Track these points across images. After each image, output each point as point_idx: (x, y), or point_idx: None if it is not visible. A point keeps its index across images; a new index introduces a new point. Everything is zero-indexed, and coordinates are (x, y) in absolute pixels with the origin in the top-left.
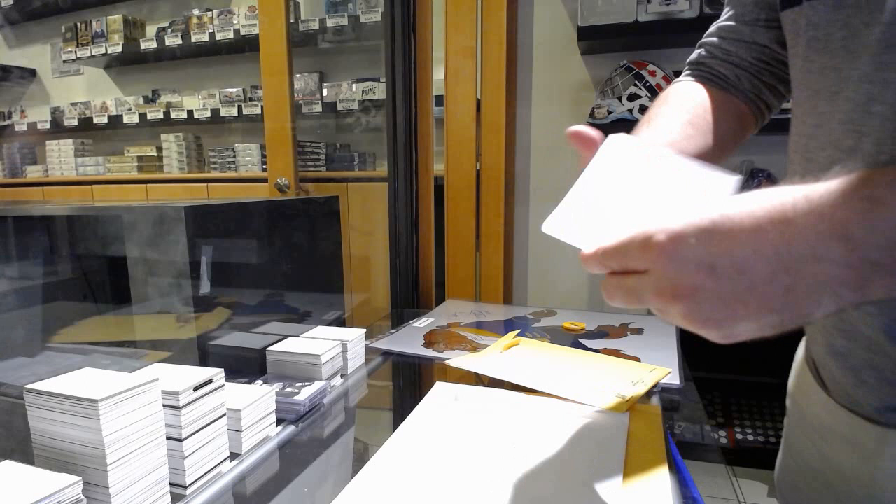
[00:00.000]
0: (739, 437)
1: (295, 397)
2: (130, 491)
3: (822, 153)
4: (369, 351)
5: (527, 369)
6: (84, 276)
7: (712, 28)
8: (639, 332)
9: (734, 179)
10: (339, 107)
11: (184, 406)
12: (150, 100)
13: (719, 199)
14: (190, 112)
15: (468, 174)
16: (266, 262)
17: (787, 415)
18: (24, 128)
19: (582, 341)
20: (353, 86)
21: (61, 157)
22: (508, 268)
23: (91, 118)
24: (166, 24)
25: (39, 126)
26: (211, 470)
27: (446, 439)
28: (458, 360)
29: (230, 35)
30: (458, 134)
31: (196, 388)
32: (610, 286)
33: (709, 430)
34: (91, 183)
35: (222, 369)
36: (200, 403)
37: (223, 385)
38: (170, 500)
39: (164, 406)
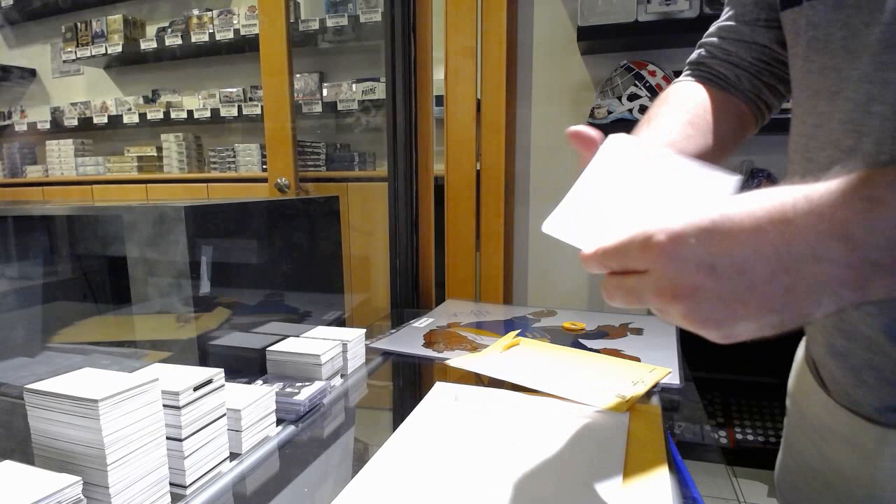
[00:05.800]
0: (739, 437)
1: (295, 397)
2: (130, 491)
3: (822, 153)
4: (369, 351)
5: (527, 369)
6: (84, 276)
7: (712, 28)
8: (639, 332)
9: (734, 179)
10: (339, 107)
11: (184, 406)
12: (150, 100)
13: (719, 199)
14: (190, 112)
15: (468, 174)
16: (266, 262)
17: (787, 415)
18: (24, 128)
19: (582, 341)
20: (353, 86)
21: (61, 157)
22: (508, 268)
23: (91, 118)
24: (166, 24)
25: (39, 126)
26: (211, 470)
27: (446, 439)
28: (458, 360)
29: (230, 35)
30: (458, 134)
31: (196, 388)
32: (610, 286)
33: (709, 430)
34: (91, 183)
35: (222, 369)
36: (200, 403)
37: (223, 385)
38: (170, 500)
39: (164, 406)
